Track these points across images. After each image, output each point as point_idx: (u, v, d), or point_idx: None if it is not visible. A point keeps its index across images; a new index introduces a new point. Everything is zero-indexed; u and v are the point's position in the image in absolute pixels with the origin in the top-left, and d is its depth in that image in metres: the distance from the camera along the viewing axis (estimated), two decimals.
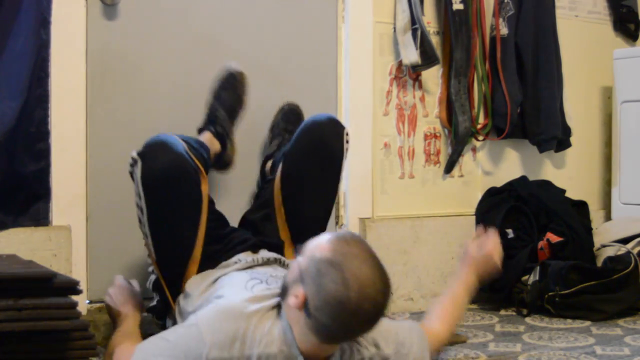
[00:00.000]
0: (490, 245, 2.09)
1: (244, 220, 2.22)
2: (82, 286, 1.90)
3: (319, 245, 1.57)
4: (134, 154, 1.88)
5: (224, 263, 1.96)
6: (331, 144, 2.06)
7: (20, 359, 1.68)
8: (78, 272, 2.21)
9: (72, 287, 1.75)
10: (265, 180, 2.40)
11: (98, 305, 2.28)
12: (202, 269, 1.95)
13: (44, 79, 2.19)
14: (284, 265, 2.00)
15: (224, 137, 2.31)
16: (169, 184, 1.86)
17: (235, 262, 1.96)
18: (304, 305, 1.54)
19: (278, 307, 1.66)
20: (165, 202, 1.88)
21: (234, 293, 1.72)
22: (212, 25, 2.51)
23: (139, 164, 1.86)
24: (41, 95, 2.18)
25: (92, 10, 2.30)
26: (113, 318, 2.01)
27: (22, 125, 2.15)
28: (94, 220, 2.30)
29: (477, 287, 2.08)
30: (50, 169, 2.20)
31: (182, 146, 1.92)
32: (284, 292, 1.63)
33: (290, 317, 1.60)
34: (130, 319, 1.95)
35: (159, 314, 2.05)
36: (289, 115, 2.50)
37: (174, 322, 1.96)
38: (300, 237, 2.03)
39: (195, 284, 1.92)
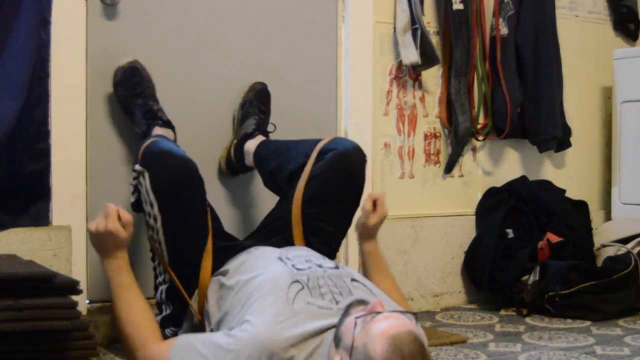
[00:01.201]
0: (382, 208, 2.24)
1: (255, 232, 2.24)
2: (82, 286, 1.90)
3: (378, 339, 1.49)
4: (138, 167, 1.96)
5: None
6: (358, 175, 2.16)
7: (20, 359, 1.68)
8: (78, 272, 2.20)
9: (72, 287, 1.75)
10: (243, 161, 2.40)
11: (98, 305, 2.28)
12: (215, 262, 1.98)
13: (44, 79, 2.19)
14: None
15: (169, 122, 2.30)
16: (180, 186, 1.94)
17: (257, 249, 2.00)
18: None
19: (319, 331, 1.65)
20: (178, 204, 1.95)
21: (275, 315, 1.66)
22: (212, 25, 2.50)
23: (146, 174, 1.94)
24: (41, 95, 2.18)
25: (92, 10, 2.30)
26: (96, 250, 1.96)
27: (22, 125, 2.14)
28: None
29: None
30: (50, 169, 2.20)
31: (179, 148, 2.01)
32: (336, 338, 1.59)
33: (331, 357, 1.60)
34: (123, 266, 1.91)
35: (175, 321, 2.04)
36: (262, 95, 2.50)
37: (194, 324, 1.96)
38: (317, 250, 2.04)
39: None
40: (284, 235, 2.11)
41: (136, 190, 2.01)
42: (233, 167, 2.47)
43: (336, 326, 1.61)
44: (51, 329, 1.66)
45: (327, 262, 1.90)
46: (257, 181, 2.46)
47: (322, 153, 2.15)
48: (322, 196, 2.12)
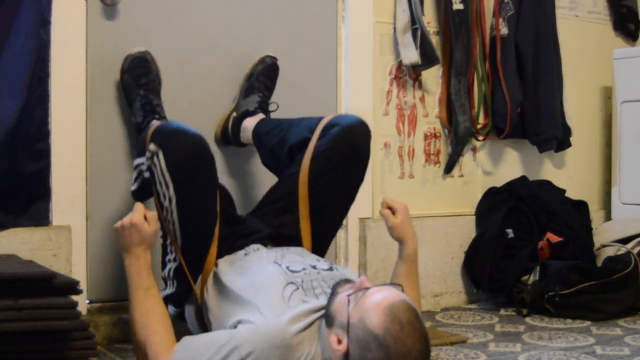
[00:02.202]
0: (398, 205, 2.15)
1: (259, 209, 2.23)
2: (82, 286, 1.90)
3: (374, 311, 1.53)
4: (153, 147, 1.94)
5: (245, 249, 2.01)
6: (364, 149, 2.14)
7: (20, 359, 1.68)
8: (78, 272, 2.21)
9: (72, 287, 1.76)
10: (238, 136, 2.41)
11: (98, 305, 2.29)
12: (220, 248, 1.98)
13: (44, 79, 2.19)
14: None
15: (166, 120, 2.29)
16: (196, 165, 1.93)
17: (255, 250, 2.00)
18: (345, 354, 1.57)
19: (316, 319, 1.69)
20: (193, 183, 1.93)
21: (272, 310, 1.70)
22: (211, 25, 2.51)
23: (160, 153, 1.92)
24: (41, 95, 2.18)
25: (92, 10, 2.30)
26: (120, 248, 1.92)
27: (22, 125, 2.15)
28: (93, 220, 2.30)
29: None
30: (50, 169, 2.20)
31: (190, 127, 1.99)
32: (328, 318, 1.64)
33: (328, 342, 1.63)
34: (144, 269, 1.86)
35: (178, 301, 2.05)
36: (271, 70, 2.47)
37: (197, 309, 1.97)
38: (320, 231, 2.10)
39: (226, 264, 1.96)
40: (291, 216, 2.12)
41: (148, 171, 1.97)
42: (227, 138, 2.47)
43: (326, 307, 1.65)
44: (51, 329, 1.66)
45: (322, 264, 1.92)
46: (256, 155, 2.46)
47: (326, 129, 2.13)
48: (328, 172, 2.10)
